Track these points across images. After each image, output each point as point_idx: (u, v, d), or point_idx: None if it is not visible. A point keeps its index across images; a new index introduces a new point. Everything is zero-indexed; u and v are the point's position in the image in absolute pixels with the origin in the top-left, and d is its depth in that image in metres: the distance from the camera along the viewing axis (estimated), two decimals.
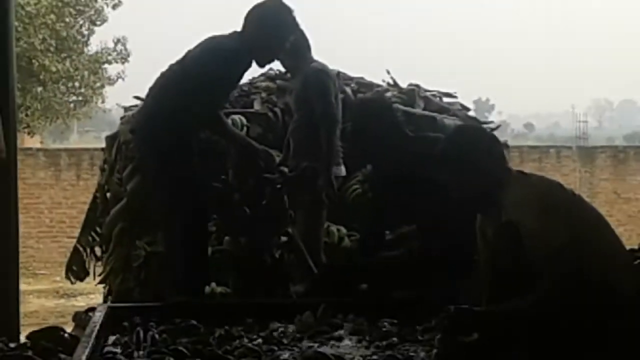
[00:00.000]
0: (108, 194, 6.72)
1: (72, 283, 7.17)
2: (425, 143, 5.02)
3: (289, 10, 5.09)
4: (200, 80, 4.99)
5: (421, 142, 5.07)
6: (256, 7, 5.09)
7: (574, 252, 3.43)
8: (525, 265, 3.47)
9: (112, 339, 4.11)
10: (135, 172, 6.21)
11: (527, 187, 3.65)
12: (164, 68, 5.24)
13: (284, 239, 5.49)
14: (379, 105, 5.39)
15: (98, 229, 6.82)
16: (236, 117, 6.30)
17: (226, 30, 5.15)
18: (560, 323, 3.41)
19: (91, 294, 9.38)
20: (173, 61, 5.20)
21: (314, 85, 5.66)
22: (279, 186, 5.41)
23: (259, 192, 5.44)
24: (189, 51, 5.14)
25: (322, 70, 5.78)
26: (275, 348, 3.91)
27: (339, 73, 7.12)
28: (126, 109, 7.18)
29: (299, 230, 5.52)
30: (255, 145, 5.44)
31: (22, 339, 4.47)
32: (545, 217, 3.49)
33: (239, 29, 5.12)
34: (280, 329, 4.28)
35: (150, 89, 5.27)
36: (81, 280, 7.04)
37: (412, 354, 3.79)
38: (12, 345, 4.08)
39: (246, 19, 5.09)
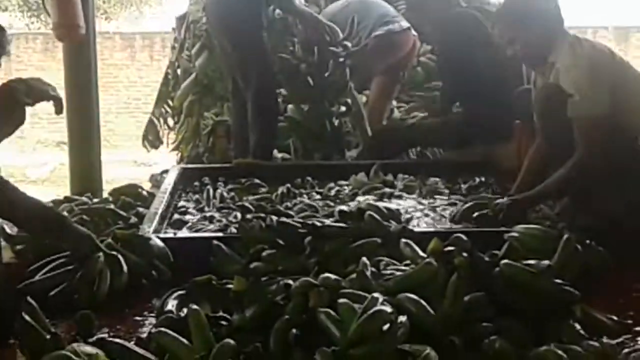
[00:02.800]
0: (178, 70, 6.70)
1: (147, 151, 7.21)
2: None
3: None
4: None
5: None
6: None
7: (611, 118, 3.33)
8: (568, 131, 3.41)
9: (184, 196, 4.16)
10: (203, 48, 6.16)
11: (579, 53, 3.46)
12: None
13: (342, 108, 5.44)
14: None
15: (170, 102, 6.83)
16: None
17: None
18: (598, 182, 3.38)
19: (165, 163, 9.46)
20: None
21: None
22: (342, 59, 5.31)
23: (323, 64, 5.35)
24: None
25: None
26: (332, 203, 3.91)
27: None
28: None
29: (370, 96, 5.49)
30: (323, 20, 5.35)
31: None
32: (590, 84, 3.37)
33: None
34: (336, 188, 4.27)
35: None
36: (156, 148, 7.08)
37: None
38: (95, 199, 4.14)
39: None
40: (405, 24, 5.42)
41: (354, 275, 2.50)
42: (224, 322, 2.31)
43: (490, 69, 4.62)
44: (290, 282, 2.39)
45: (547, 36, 3.57)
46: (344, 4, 5.70)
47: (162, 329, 2.27)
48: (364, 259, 2.62)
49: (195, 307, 2.37)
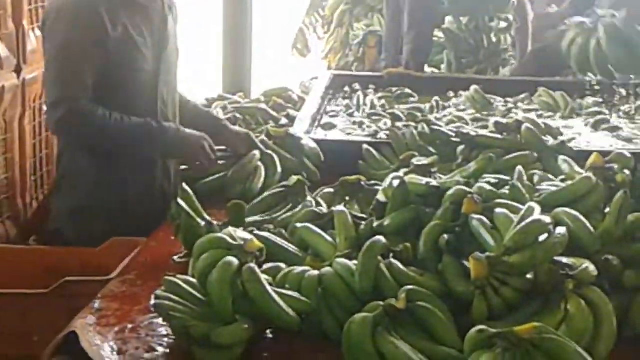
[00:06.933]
0: None
1: (296, 59, 7.29)
2: None
3: None
4: None
5: None
6: None
7: None
8: None
9: (334, 101, 4.16)
10: None
11: None
12: None
13: (503, 24, 5.29)
14: None
15: (321, 11, 6.84)
16: None
17: None
18: None
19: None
20: None
21: None
22: None
23: None
24: None
25: None
26: (479, 115, 3.85)
27: None
28: None
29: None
30: None
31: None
32: None
33: None
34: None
35: None
36: (304, 56, 7.14)
37: None
38: (247, 99, 4.20)
39: None
40: None
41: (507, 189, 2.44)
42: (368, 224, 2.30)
43: None
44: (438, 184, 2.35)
45: None
46: None
47: (306, 224, 2.29)
48: (520, 168, 2.54)
49: (342, 207, 2.38)
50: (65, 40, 2.78)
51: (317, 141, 3.18)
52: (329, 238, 2.22)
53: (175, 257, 2.37)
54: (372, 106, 3.98)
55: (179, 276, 1.99)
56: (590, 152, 2.65)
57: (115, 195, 2.87)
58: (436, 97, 4.16)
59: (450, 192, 2.25)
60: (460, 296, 1.94)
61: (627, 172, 2.34)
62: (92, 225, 2.84)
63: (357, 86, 4.35)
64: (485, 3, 5.19)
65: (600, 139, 3.55)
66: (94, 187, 2.88)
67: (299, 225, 2.30)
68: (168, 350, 1.87)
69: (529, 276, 1.92)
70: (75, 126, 2.79)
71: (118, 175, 2.86)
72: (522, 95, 4.27)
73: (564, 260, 1.93)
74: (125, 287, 2.22)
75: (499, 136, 2.95)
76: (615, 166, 2.38)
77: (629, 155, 2.56)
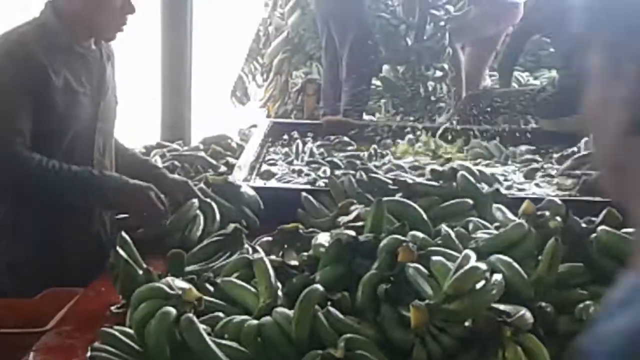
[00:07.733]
0: (270, 28, 6.73)
1: (234, 107, 7.28)
2: None
3: None
4: None
5: None
6: None
7: None
8: None
9: (273, 149, 4.18)
10: (296, 6, 6.19)
11: None
12: None
13: (438, 73, 5.39)
14: None
15: (260, 59, 6.87)
16: None
17: None
18: None
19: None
20: None
21: None
22: (442, 24, 5.30)
23: (422, 26, 5.35)
24: None
25: None
26: (417, 163, 3.90)
27: None
28: None
29: (466, 64, 5.41)
30: None
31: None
32: None
33: None
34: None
35: None
36: (243, 104, 7.15)
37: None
38: (185, 147, 4.20)
39: None
40: None
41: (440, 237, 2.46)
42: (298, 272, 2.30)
43: None
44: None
45: None
46: None
47: (226, 278, 2.29)
48: (444, 225, 2.55)
49: (260, 255, 2.37)
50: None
51: (256, 189, 3.18)
52: (252, 289, 2.22)
53: (113, 308, 2.33)
54: (311, 154, 4.01)
55: (115, 327, 1.97)
56: (524, 199, 2.71)
57: (52, 247, 2.83)
58: (374, 145, 4.21)
59: (384, 242, 2.26)
60: (399, 344, 1.95)
61: (558, 219, 2.38)
62: (30, 278, 2.78)
63: (295, 134, 4.37)
64: (421, 53, 5.30)
65: (534, 187, 3.63)
66: (31, 240, 2.84)
67: (219, 280, 2.30)
68: None
69: (466, 323, 1.95)
70: (9, 171, 2.74)
71: (55, 226, 2.82)
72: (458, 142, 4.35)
73: (501, 307, 1.96)
74: (61, 339, 2.18)
75: (435, 184, 2.98)
76: (547, 213, 2.43)
77: (559, 202, 2.62)
